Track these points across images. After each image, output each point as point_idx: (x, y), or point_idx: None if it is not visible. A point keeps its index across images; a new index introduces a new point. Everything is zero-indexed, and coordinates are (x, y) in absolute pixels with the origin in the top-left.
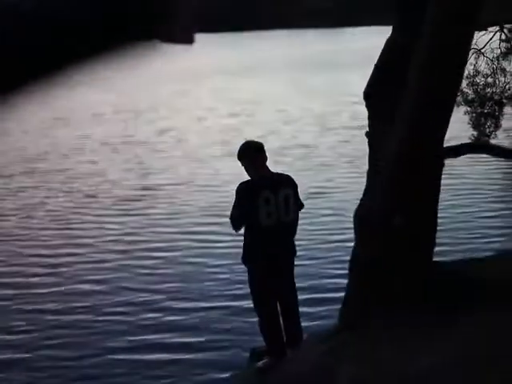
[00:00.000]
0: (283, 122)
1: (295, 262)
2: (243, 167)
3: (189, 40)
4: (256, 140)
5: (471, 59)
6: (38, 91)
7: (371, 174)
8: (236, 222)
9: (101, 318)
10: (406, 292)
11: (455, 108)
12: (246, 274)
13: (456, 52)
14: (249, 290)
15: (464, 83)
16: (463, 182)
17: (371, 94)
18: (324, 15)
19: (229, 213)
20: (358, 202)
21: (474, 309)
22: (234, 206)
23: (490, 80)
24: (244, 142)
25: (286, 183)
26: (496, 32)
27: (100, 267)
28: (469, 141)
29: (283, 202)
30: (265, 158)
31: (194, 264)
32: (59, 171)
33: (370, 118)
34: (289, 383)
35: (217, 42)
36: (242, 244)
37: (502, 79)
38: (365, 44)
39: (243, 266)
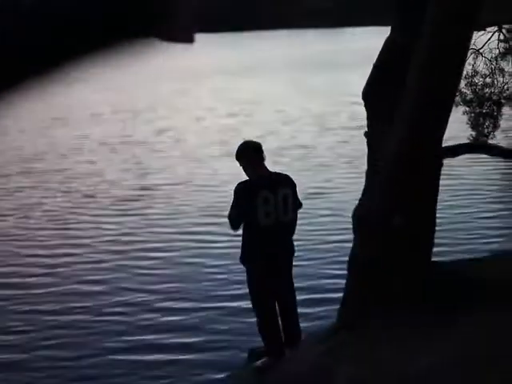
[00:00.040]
0: (282, 122)
1: (293, 262)
2: (241, 167)
3: (189, 39)
4: (254, 140)
5: (470, 59)
6: (36, 88)
7: (370, 174)
8: (234, 221)
9: (99, 319)
10: (405, 292)
11: (454, 108)
12: (244, 274)
13: (455, 52)
14: (247, 290)
15: (462, 83)
16: (462, 182)
17: (370, 94)
18: (324, 15)
19: (227, 213)
20: (357, 202)
21: (472, 309)
22: (232, 206)
23: (488, 80)
24: (242, 142)
25: (284, 183)
26: (494, 32)
27: (98, 267)
28: (467, 141)
29: (282, 202)
30: (263, 158)
31: (191, 264)
32: (57, 171)
33: (368, 117)
34: (287, 383)
35: (217, 42)
36: (240, 244)
37: (501, 79)
38: (364, 44)
39: (241, 266)
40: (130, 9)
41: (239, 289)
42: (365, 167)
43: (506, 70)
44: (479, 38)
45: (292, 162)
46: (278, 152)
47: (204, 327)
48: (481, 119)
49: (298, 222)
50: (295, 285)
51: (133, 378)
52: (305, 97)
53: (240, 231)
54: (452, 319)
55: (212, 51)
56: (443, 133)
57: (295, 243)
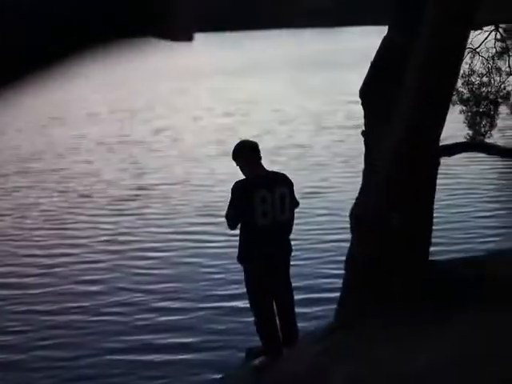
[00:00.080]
0: (278, 122)
1: (290, 262)
2: (238, 167)
3: (188, 38)
4: (251, 139)
5: (466, 58)
6: (33, 86)
7: (367, 173)
8: (231, 221)
9: (96, 319)
10: (403, 291)
11: (450, 107)
12: (241, 274)
13: (453, 52)
14: (244, 290)
15: (459, 82)
16: (458, 181)
17: (367, 93)
18: (324, 15)
19: (224, 212)
20: (354, 201)
21: (469, 307)
22: (229, 205)
23: (485, 79)
24: (239, 141)
25: (281, 182)
26: (491, 31)
27: (95, 267)
28: (464, 140)
29: (279, 201)
30: (260, 158)
31: (188, 264)
32: (54, 171)
33: (365, 116)
34: (284, 383)
35: (216, 42)
36: (236, 244)
37: (497, 78)
38: (363, 43)
39: (238, 266)
40: (130, 7)
41: (236, 288)
42: (361, 166)
43: (502, 69)
44: (476, 37)
45: (288, 161)
46: (274, 151)
47: (201, 327)
48: (477, 118)
49: (295, 221)
50: (292, 284)
51: (130, 378)
52: (302, 96)
53: (237, 231)
54: (449, 317)
55: (211, 51)
56: (440, 132)
57: (292, 243)
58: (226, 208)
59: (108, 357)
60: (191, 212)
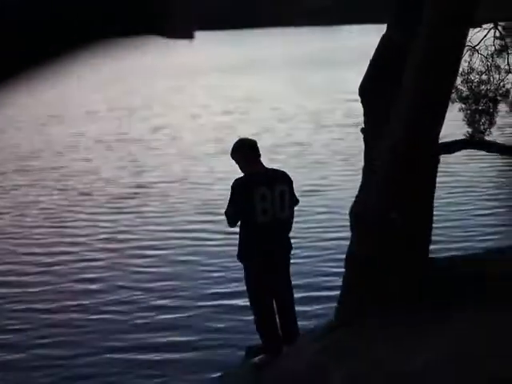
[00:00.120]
0: (278, 120)
1: (290, 260)
2: (237, 165)
3: (189, 36)
4: (250, 137)
5: (465, 56)
6: (33, 82)
7: (367, 171)
8: (231, 218)
9: (94, 317)
10: (402, 291)
11: (450, 105)
12: (240, 272)
13: (452, 53)
14: (243, 288)
15: (458, 80)
16: (458, 179)
17: (366, 90)
18: (323, 14)
19: (223, 211)
20: (353, 199)
21: (467, 305)
22: (229, 202)
23: (484, 77)
24: (238, 139)
25: (281, 179)
26: (490, 29)
27: (93, 266)
28: (463, 138)
29: (279, 198)
30: (259, 155)
31: (187, 262)
32: (53, 169)
33: (365, 114)
34: (284, 380)
35: (216, 40)
36: (235, 242)
37: (497, 76)
38: (362, 41)
39: (237, 264)
40: (131, 6)
41: (236, 286)
42: (361, 164)
43: (501, 67)
44: (475, 35)
45: (287, 159)
46: (273, 149)
47: (200, 325)
48: (477, 116)
49: (294, 219)
50: (292, 282)
51: (129, 377)
52: (300, 94)
53: (236, 229)
54: (448, 316)
55: (210, 48)
56: (439, 131)
57: (292, 241)
58: (226, 205)
59: (107, 355)
60: (190, 210)
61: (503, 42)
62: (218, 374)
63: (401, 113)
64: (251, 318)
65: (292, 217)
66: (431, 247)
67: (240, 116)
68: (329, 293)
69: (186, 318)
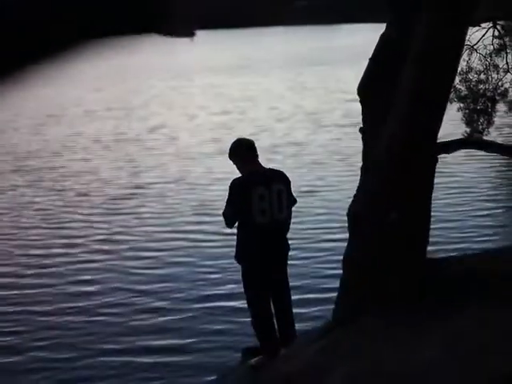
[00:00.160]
0: (275, 120)
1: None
2: (235, 165)
3: (189, 35)
4: (247, 138)
5: (464, 55)
6: (32, 79)
7: (365, 170)
8: (229, 219)
9: (91, 319)
10: (401, 290)
11: (448, 104)
12: (237, 274)
13: (451, 52)
14: (240, 290)
15: (457, 79)
16: (455, 180)
17: (365, 89)
18: (323, 13)
19: (220, 211)
20: (351, 199)
21: (466, 303)
22: (227, 203)
23: (482, 76)
24: (235, 139)
25: (278, 179)
26: (489, 28)
27: (90, 267)
28: (461, 137)
29: (276, 197)
30: (256, 156)
31: (184, 264)
32: (51, 169)
33: (364, 113)
34: (281, 382)
35: (215, 40)
36: (233, 243)
37: (495, 76)
38: (361, 40)
39: (234, 266)
40: (132, 5)
41: (233, 288)
42: (359, 164)
43: (500, 66)
44: (474, 34)
45: (285, 159)
46: (271, 149)
47: (197, 327)
48: (475, 116)
49: (292, 220)
50: (289, 284)
51: (125, 380)
52: (298, 94)
53: (234, 229)
54: (447, 315)
55: (210, 48)
56: (438, 131)
57: (289, 242)
58: (224, 206)
59: (104, 358)
60: (187, 211)
61: (502, 41)
62: (215, 377)
63: (399, 112)
64: (248, 319)
65: (290, 218)
66: (429, 248)
67: (238, 116)
68: (326, 295)
69: (182, 320)
